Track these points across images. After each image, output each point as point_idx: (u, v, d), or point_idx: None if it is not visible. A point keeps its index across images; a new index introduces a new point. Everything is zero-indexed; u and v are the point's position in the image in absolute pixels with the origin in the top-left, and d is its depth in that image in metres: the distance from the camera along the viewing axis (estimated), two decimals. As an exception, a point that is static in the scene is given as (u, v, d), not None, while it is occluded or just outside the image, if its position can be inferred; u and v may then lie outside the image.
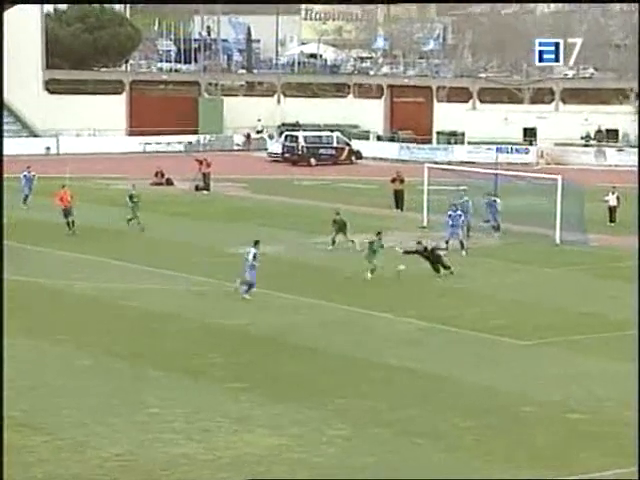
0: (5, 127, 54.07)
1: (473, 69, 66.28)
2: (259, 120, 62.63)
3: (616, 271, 29.16)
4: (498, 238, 34.04)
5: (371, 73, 69.16)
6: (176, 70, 68.13)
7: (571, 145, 57.95)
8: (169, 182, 46.63)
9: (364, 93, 64.86)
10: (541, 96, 61.43)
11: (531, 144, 58.15)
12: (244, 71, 69.57)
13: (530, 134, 58.78)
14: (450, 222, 31.66)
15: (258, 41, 73.77)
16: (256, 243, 25.36)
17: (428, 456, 15.55)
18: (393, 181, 40.72)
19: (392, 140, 60.46)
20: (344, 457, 15.42)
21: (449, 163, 49.41)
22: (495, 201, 34.47)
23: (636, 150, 55.80)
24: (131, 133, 61.67)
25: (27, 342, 20.78)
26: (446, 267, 27.88)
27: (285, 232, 34.41)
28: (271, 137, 61.34)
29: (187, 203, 41.20)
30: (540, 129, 58.88)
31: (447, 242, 31.47)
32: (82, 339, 21.59)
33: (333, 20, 79.16)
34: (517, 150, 56.74)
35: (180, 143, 60.26)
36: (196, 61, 68.14)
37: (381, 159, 56.83)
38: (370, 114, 62.78)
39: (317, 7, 77.94)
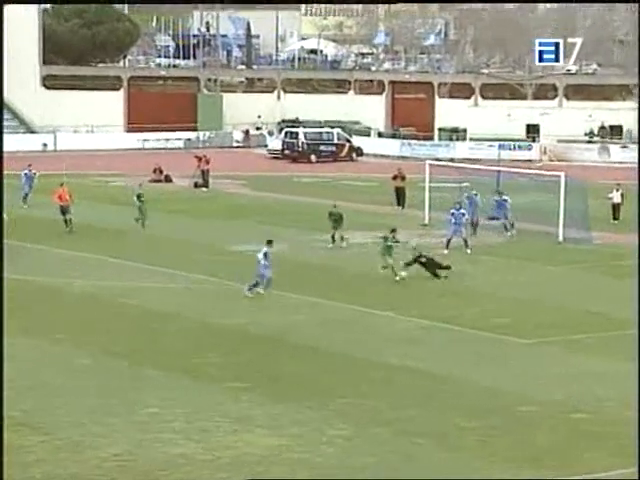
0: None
1: (475, 65, 66.17)
2: (259, 117, 62.30)
3: (619, 269, 28.98)
4: (511, 237, 33.76)
5: (372, 69, 68.97)
6: (175, 66, 67.98)
7: (574, 142, 57.74)
8: (168, 179, 46.61)
9: (365, 89, 64.72)
10: (544, 92, 61.24)
11: (534, 140, 58.02)
12: (244, 67, 69.44)
13: (533, 130, 58.66)
14: (453, 220, 31.33)
15: (258, 36, 73.62)
16: (269, 242, 25.10)
17: (429, 456, 15.46)
18: (394, 178, 40.49)
19: (393, 137, 60.31)
20: (344, 457, 15.32)
21: (451, 160, 49.35)
22: (505, 200, 34.18)
23: (640, 147, 55.23)
24: (129, 129, 61.49)
25: (26, 341, 20.65)
26: (443, 268, 27.46)
27: (285, 230, 34.20)
28: (271, 134, 61.28)
29: (186, 200, 41.26)
30: (543, 125, 58.78)
31: (449, 241, 31.09)
32: (81, 338, 21.48)
33: (334, 15, 78.69)
34: (520, 147, 56.70)
35: (179, 140, 60.17)
36: (195, 57, 68.05)
37: (382, 156, 56.75)
38: (371, 110, 62.62)
39: (317, 2, 77.54)
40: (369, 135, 60.75)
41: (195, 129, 61.10)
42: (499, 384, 18.83)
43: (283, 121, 62.11)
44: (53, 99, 59.97)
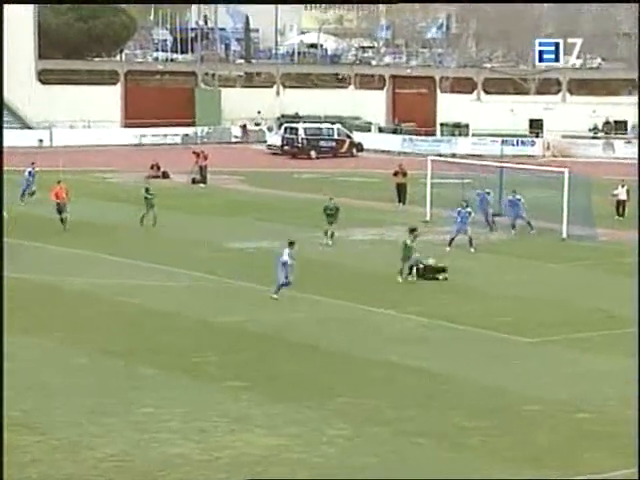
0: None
1: (477, 59, 66.02)
2: (259, 112, 61.88)
3: (624, 267, 28.72)
4: (533, 235, 33.53)
5: (373, 63, 68.76)
6: (172, 60, 67.80)
7: (578, 137, 57.46)
8: (165, 175, 46.42)
9: (366, 84, 64.39)
10: (547, 87, 60.95)
11: (537, 136, 57.75)
12: (242, 61, 69.19)
13: (536, 126, 58.34)
14: (459, 219, 30.98)
15: (257, 30, 73.51)
16: (291, 244, 24.83)
17: (430, 456, 15.33)
18: (395, 174, 40.28)
19: (394, 132, 60.06)
20: (344, 457, 15.18)
21: (453, 156, 49.77)
22: (519, 199, 33.84)
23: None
24: (126, 125, 61.28)
25: (23, 340, 20.40)
26: (440, 270, 26.98)
27: (284, 227, 34.06)
28: (270, 129, 61.05)
29: (184, 196, 41.59)
30: (547, 121, 58.37)
31: (452, 239, 30.77)
32: (78, 337, 21.37)
33: (334, 9, 78.09)
34: (523, 142, 56.59)
35: (176, 135, 59.95)
36: (193, 51, 67.83)
37: (383, 151, 56.44)
38: (372, 105, 62.28)
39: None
40: (370, 130, 60.42)
41: (193, 124, 60.84)
42: (501, 383, 18.67)
43: (282, 116, 62.01)
44: (48, 94, 59.52)
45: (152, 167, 46.09)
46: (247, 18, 70.43)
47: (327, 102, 61.00)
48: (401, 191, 39.52)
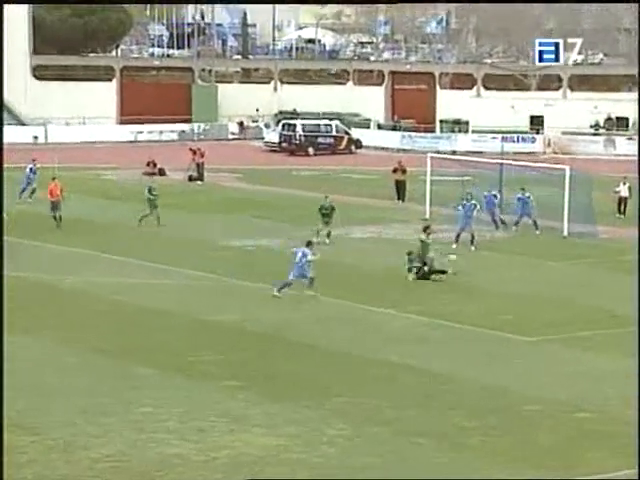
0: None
1: (477, 54, 65.63)
2: (257, 110, 61.52)
3: (625, 264, 28.56)
4: (539, 234, 33.30)
5: (372, 59, 68.53)
6: (168, 56, 67.58)
7: (579, 134, 57.18)
8: (162, 172, 46.18)
9: (364, 80, 64.09)
10: (548, 83, 60.69)
11: (538, 133, 57.59)
12: (239, 57, 68.98)
13: (537, 122, 58.20)
14: (463, 212, 30.80)
15: (254, 26, 73.35)
16: (309, 243, 24.80)
17: (430, 456, 15.22)
18: (394, 171, 40.03)
19: (393, 129, 59.80)
20: (344, 457, 15.08)
21: (453, 153, 49.86)
22: (529, 197, 33.57)
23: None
24: (122, 121, 61.10)
25: (17, 339, 20.06)
26: (439, 272, 26.59)
27: (282, 224, 34.04)
28: (267, 126, 60.79)
29: (180, 194, 41.38)
30: (547, 117, 58.19)
31: (458, 235, 30.45)
32: (73, 336, 21.26)
33: (332, 4, 77.55)
34: (523, 139, 56.49)
35: (173, 132, 59.69)
36: (189, 46, 67.65)
37: (382, 148, 56.30)
38: (371, 101, 62.02)
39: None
40: (368, 127, 60.13)
41: (189, 121, 60.59)
42: (501, 383, 18.55)
43: (280, 113, 61.77)
44: (43, 90, 59.15)
45: (148, 164, 45.90)
46: (244, 13, 70.23)
47: (325, 98, 60.75)
48: (400, 188, 39.28)
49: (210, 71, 63.37)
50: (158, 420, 16.34)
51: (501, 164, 37.05)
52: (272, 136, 57.29)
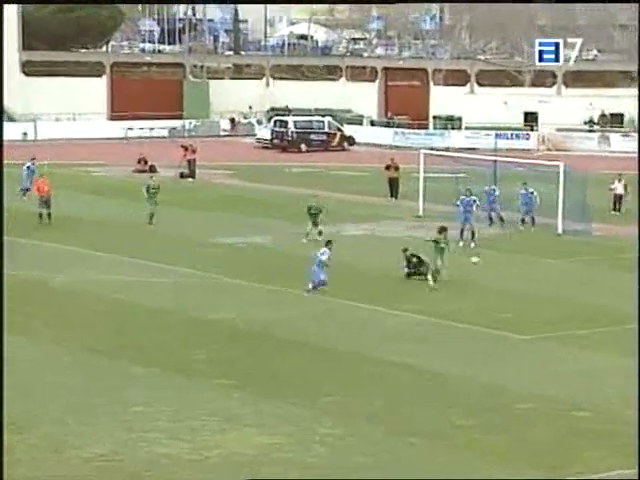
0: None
1: (471, 50, 65.30)
2: (250, 108, 61.19)
3: (620, 262, 28.68)
4: (534, 232, 33.12)
5: (364, 55, 68.44)
6: (159, 51, 67.32)
7: (574, 130, 57.00)
8: (153, 169, 45.81)
9: (357, 76, 63.88)
10: (542, 79, 60.55)
11: (532, 129, 57.40)
12: (231, 53, 68.81)
13: (531, 119, 57.96)
14: (462, 208, 30.54)
15: (246, 21, 73.26)
16: (328, 243, 24.75)
17: (424, 455, 15.16)
18: (387, 168, 39.81)
19: (386, 125, 59.53)
20: (337, 457, 15.01)
21: (446, 149, 49.54)
22: (532, 193, 33.38)
23: (642, 136, 53.80)
24: (112, 118, 60.73)
25: (7, 338, 19.19)
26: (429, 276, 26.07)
27: (274, 221, 33.90)
28: (259, 122, 60.52)
29: (171, 191, 41.07)
30: (541, 114, 57.88)
31: (462, 231, 30.26)
32: (64, 334, 21.10)
33: (325, 4, 77.23)
34: (517, 136, 56.27)
35: (164, 128, 59.34)
36: (180, 42, 67.54)
37: (375, 145, 55.98)
38: (363, 98, 61.66)
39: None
40: (361, 124, 59.91)
41: (181, 117, 60.28)
42: (497, 381, 18.47)
43: (272, 109, 61.40)
44: (33, 86, 58.56)
45: (139, 161, 45.68)
46: (236, 9, 69.95)
47: (318, 94, 60.43)
48: (393, 185, 39.09)
49: (201, 67, 63.06)
50: (150, 419, 16.23)
51: (495, 161, 36.90)
52: (264, 133, 57.03)
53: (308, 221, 30.63)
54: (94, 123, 58.55)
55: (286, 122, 55.24)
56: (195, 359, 19.35)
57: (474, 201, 30.53)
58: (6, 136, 51.37)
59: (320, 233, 30.53)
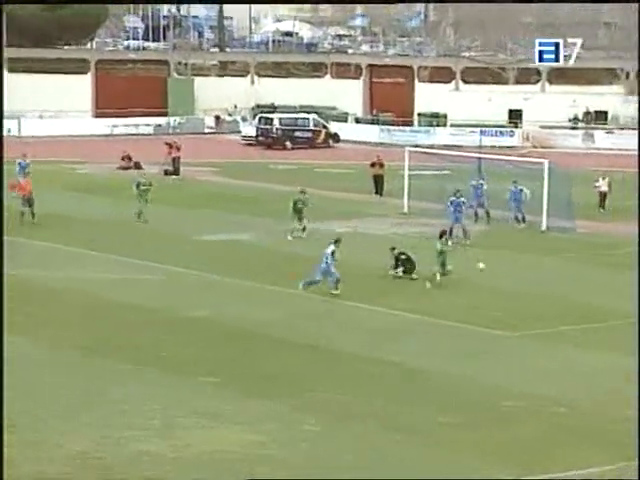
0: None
1: (456, 48, 65.23)
2: (235, 107, 60.95)
3: (604, 259, 28.74)
4: (522, 229, 33.11)
5: (349, 52, 68.32)
6: (144, 48, 67.18)
7: (558, 127, 57.08)
8: (137, 166, 45.75)
9: (342, 73, 63.83)
10: (527, 76, 60.60)
11: (516, 126, 57.54)
12: (216, 50, 68.71)
13: (515, 116, 58.13)
14: (452, 209, 30.53)
15: (231, 18, 73.16)
16: (337, 241, 24.61)
17: (410, 453, 15.10)
18: (372, 165, 39.88)
19: (371, 122, 59.60)
20: (321, 454, 14.97)
21: (431, 146, 49.24)
22: (522, 190, 33.35)
23: (626, 132, 54.02)
24: (97, 115, 60.75)
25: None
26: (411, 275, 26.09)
27: (259, 219, 33.82)
28: (244, 119, 60.27)
29: (156, 188, 40.58)
30: (526, 111, 58.12)
31: (451, 230, 29.96)
32: (45, 332, 21.02)
33: (310, 4, 77.27)
34: (502, 133, 56.39)
35: (148, 125, 59.30)
36: (165, 39, 67.55)
37: (360, 142, 56.02)
38: (348, 95, 61.73)
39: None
40: (346, 121, 59.95)
41: (165, 114, 60.20)
42: (483, 378, 18.44)
43: (257, 106, 61.31)
44: (16, 83, 58.00)
45: (123, 158, 45.63)
46: (221, 6, 69.63)
47: (303, 92, 60.44)
48: (378, 182, 39.11)
49: (186, 64, 63.00)
50: (133, 416, 16.16)
51: (479, 158, 37.00)
52: (249, 130, 56.95)
53: (294, 217, 30.58)
54: (78, 120, 58.31)
55: (271, 119, 55.21)
56: (179, 356, 19.24)
57: (463, 202, 30.54)
58: (-11, 133, 51.61)
59: (304, 229, 30.54)
